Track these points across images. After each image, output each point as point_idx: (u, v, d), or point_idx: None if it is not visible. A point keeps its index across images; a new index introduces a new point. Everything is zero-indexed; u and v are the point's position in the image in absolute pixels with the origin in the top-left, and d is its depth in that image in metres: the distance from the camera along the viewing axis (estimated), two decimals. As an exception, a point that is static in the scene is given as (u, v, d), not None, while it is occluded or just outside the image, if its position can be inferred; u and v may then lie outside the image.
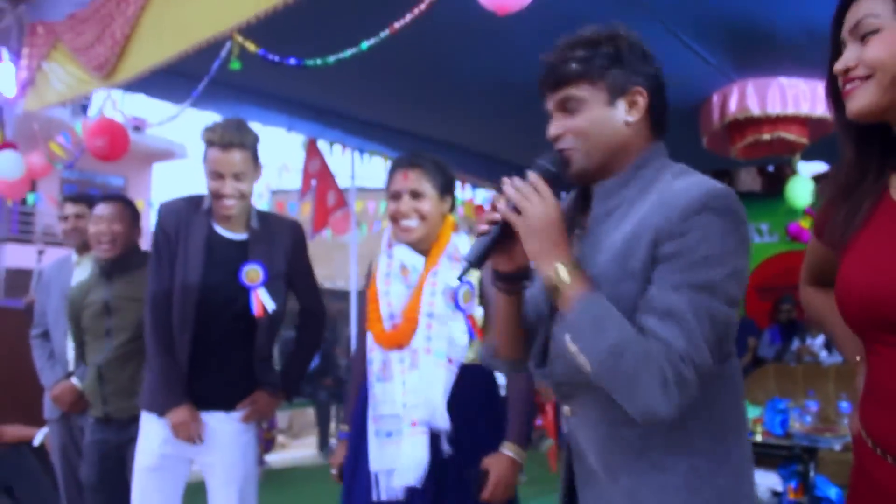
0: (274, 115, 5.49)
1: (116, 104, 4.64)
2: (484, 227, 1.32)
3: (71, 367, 3.37)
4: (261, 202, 7.58)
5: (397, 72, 4.51)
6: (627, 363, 1.19)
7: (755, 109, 4.63)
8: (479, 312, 2.24)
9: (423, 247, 2.27)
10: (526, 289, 1.46)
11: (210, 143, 2.48)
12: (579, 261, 1.32)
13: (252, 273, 2.52)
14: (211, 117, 4.53)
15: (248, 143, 2.49)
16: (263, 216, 2.69)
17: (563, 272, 1.25)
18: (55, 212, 13.26)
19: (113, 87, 4.35)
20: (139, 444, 2.60)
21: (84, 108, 5.54)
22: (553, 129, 1.40)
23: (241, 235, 2.61)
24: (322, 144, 6.53)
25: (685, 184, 1.30)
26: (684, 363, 1.19)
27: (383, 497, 2.15)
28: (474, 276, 2.21)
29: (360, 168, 6.81)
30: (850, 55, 1.22)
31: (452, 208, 2.34)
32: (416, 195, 2.21)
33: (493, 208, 1.32)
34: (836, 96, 1.30)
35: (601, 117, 1.37)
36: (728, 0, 3.69)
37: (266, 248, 2.60)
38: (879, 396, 1.25)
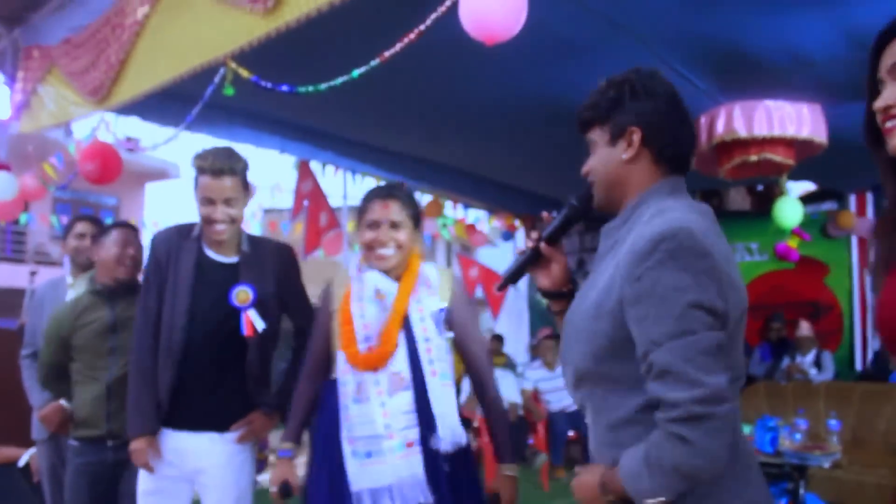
0: (266, 138, 5.53)
1: (109, 126, 4.68)
2: (521, 248, 1.54)
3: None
4: (253, 222, 7.60)
5: (389, 95, 4.56)
6: (660, 460, 1.27)
7: (742, 131, 4.69)
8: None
9: (395, 274, 2.37)
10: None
11: (201, 171, 2.53)
12: (576, 302, 1.49)
13: (242, 294, 2.56)
14: (204, 139, 4.54)
15: (238, 170, 2.55)
16: (254, 240, 2.74)
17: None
18: (47, 231, 13.27)
19: (107, 111, 4.39)
20: (141, 469, 2.61)
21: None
22: (584, 167, 1.56)
23: (231, 259, 2.65)
24: (314, 165, 6.57)
25: (650, 226, 1.36)
26: (691, 404, 1.24)
27: None
28: (444, 303, 2.38)
29: (353, 189, 6.84)
30: (891, 94, 1.24)
31: (420, 238, 2.48)
32: (394, 225, 2.32)
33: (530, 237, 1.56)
34: (874, 132, 1.31)
35: (604, 156, 1.49)
36: (714, 26, 3.75)
37: (256, 270, 2.64)
38: None
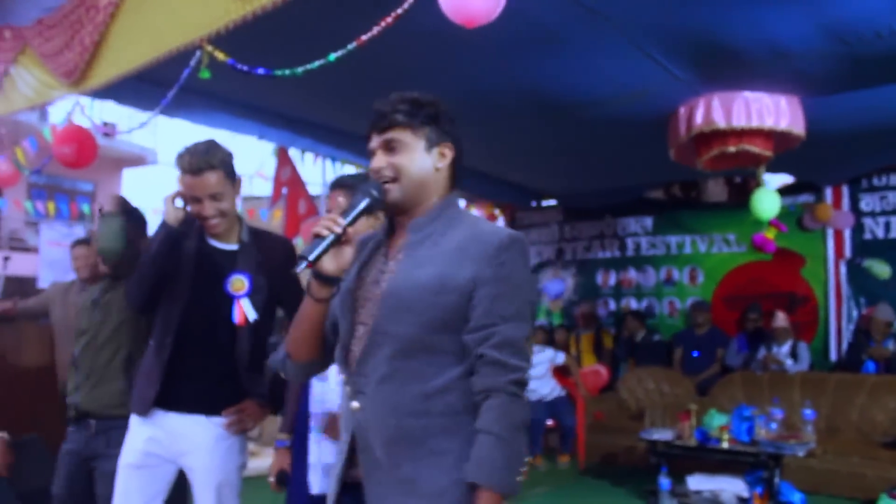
0: (245, 124, 5.48)
1: (85, 110, 4.61)
2: (321, 230, 1.61)
3: None
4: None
5: (369, 83, 4.50)
6: (514, 425, 1.57)
7: (721, 122, 4.72)
8: None
9: None
10: (335, 296, 1.72)
11: (182, 170, 2.53)
12: (398, 278, 1.65)
13: (237, 283, 2.57)
14: (182, 124, 4.50)
15: (218, 163, 2.53)
16: (255, 231, 2.75)
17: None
18: (22, 217, 13.09)
19: (82, 94, 4.32)
20: (126, 443, 2.62)
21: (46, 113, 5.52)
22: (376, 162, 1.72)
23: (231, 246, 2.67)
24: (293, 152, 6.53)
25: (491, 228, 1.69)
26: (523, 372, 1.59)
27: (319, 490, 2.32)
28: None
29: (332, 176, 6.81)
30: None
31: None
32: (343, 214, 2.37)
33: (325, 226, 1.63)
34: None
35: (418, 159, 1.70)
36: (694, 17, 3.75)
37: (254, 260, 2.65)
38: None
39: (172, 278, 2.59)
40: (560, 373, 6.97)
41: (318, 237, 1.61)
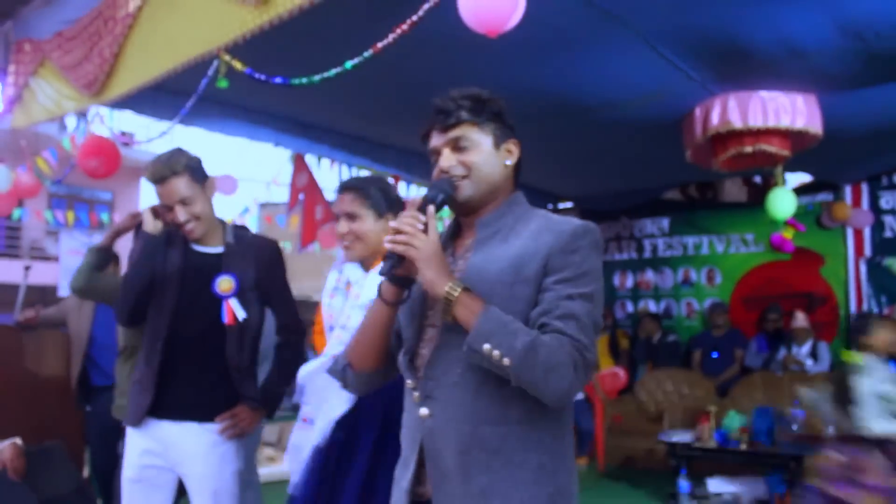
0: (261, 131, 5.51)
1: (104, 121, 4.67)
2: (391, 246, 1.54)
3: None
4: (249, 216, 7.58)
5: (384, 88, 4.55)
6: (543, 354, 1.43)
7: (737, 122, 4.69)
8: None
9: (370, 263, 2.43)
10: (406, 300, 1.66)
11: (150, 182, 2.60)
12: (472, 271, 1.58)
13: (225, 283, 2.59)
14: (198, 133, 4.57)
15: (181, 168, 2.57)
16: (239, 232, 2.77)
17: (457, 290, 1.49)
18: (42, 227, 13.23)
19: (102, 105, 4.37)
20: (125, 456, 2.64)
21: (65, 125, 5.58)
22: (445, 161, 1.65)
23: (216, 249, 2.70)
24: (310, 159, 6.55)
25: (563, 218, 1.63)
26: (586, 350, 1.47)
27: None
28: None
29: (348, 182, 6.80)
30: None
31: None
32: (351, 217, 2.38)
33: (393, 242, 1.54)
34: None
35: (488, 157, 1.65)
36: (709, 17, 3.74)
37: (240, 261, 2.67)
38: None
39: (160, 287, 2.61)
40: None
41: (387, 257, 1.55)
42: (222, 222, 2.75)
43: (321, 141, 5.89)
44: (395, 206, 2.46)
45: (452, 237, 1.74)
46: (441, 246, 1.56)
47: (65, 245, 7.32)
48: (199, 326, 2.60)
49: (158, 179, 2.57)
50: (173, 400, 2.57)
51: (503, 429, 1.51)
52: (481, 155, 1.64)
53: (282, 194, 7.61)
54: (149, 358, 2.59)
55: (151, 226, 2.64)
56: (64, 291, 6.32)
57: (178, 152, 2.62)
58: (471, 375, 1.53)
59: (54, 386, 4.56)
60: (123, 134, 5.05)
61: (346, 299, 2.40)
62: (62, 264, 7.05)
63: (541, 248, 1.55)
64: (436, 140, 1.68)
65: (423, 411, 1.58)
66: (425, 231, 1.55)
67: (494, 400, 1.52)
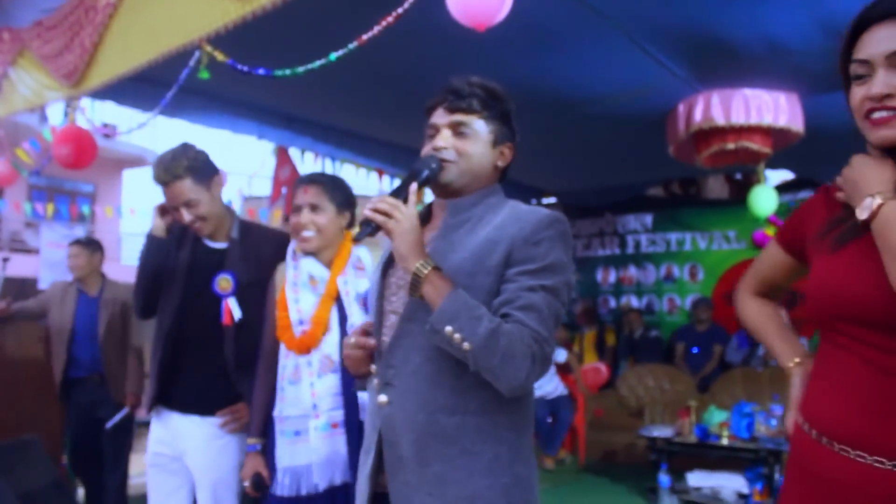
0: (244, 123, 5.48)
1: (86, 112, 4.61)
2: (370, 214, 1.52)
3: None
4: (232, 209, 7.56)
5: (369, 82, 4.53)
6: (504, 343, 1.43)
7: (720, 119, 4.72)
8: None
9: (326, 258, 2.43)
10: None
11: (155, 182, 2.63)
12: (433, 256, 1.55)
13: (223, 282, 2.60)
14: (181, 125, 4.54)
15: (183, 171, 2.57)
16: (246, 227, 2.77)
17: (427, 268, 1.48)
18: (21, 218, 13.09)
19: (82, 95, 4.32)
20: (149, 441, 2.75)
21: (46, 115, 5.52)
22: (442, 140, 1.63)
23: (222, 244, 2.72)
24: (293, 152, 6.52)
25: (531, 208, 1.62)
26: (546, 344, 1.47)
27: (290, 493, 2.28)
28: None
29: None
30: (887, 81, 1.23)
31: (351, 224, 2.50)
32: (314, 208, 2.38)
33: (374, 211, 1.52)
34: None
35: (483, 151, 1.66)
36: (693, 14, 3.76)
37: (242, 258, 2.66)
38: (831, 387, 1.31)
39: (168, 282, 2.67)
40: (561, 370, 6.98)
41: (364, 223, 1.53)
42: (233, 215, 2.76)
43: (305, 134, 5.86)
44: (350, 203, 2.48)
45: (423, 219, 1.72)
46: (419, 224, 1.55)
47: (45, 237, 7.27)
48: (201, 323, 2.63)
49: (162, 182, 2.58)
50: (179, 393, 2.64)
51: (459, 418, 1.52)
52: (477, 147, 1.64)
53: (265, 187, 7.59)
54: (154, 351, 2.67)
55: (157, 225, 2.67)
56: (44, 283, 6.27)
57: (182, 152, 2.61)
58: (429, 364, 1.54)
59: (32, 379, 4.53)
60: (106, 125, 4.99)
61: (314, 294, 2.38)
62: (42, 256, 7.00)
63: (504, 238, 1.54)
64: (439, 117, 1.66)
65: (382, 398, 1.59)
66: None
67: (452, 390, 1.52)
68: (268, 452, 2.41)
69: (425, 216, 1.73)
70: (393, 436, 1.57)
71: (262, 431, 2.47)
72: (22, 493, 3.71)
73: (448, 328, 1.43)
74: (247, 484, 2.43)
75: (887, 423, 1.21)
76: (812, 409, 1.35)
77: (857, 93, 1.28)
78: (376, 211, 1.51)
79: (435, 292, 1.46)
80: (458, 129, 1.64)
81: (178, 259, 2.67)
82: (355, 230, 1.54)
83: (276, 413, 2.35)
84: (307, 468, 2.28)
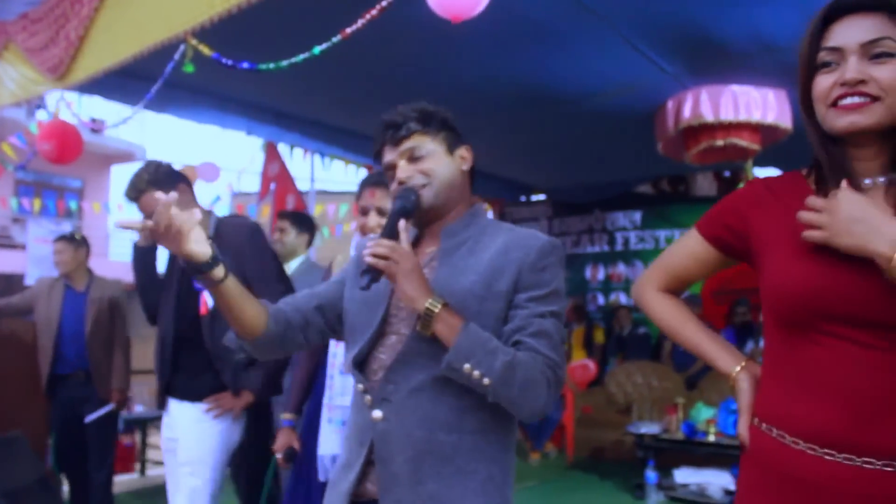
0: (233, 119, 5.46)
1: (72, 106, 4.58)
2: (371, 261, 1.52)
3: None
4: (221, 205, 7.52)
5: (357, 77, 4.52)
6: (521, 374, 1.46)
7: (708, 116, 4.73)
8: None
9: None
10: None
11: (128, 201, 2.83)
12: (439, 283, 1.56)
13: None
14: (170, 120, 4.58)
15: (146, 186, 2.75)
16: (220, 222, 2.88)
17: (437, 306, 1.48)
18: (8, 214, 13.01)
19: (68, 89, 4.29)
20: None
21: (38, 108, 5.50)
22: (403, 172, 1.64)
23: None
24: (282, 147, 6.50)
25: (529, 232, 1.64)
26: (558, 368, 1.51)
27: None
28: None
29: (321, 171, 6.82)
30: (860, 69, 1.22)
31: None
32: (381, 212, 2.41)
33: (373, 256, 1.52)
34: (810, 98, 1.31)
35: (444, 164, 1.66)
36: (682, 11, 3.76)
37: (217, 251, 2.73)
38: (809, 390, 1.27)
39: (167, 288, 2.88)
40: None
41: (366, 272, 1.52)
42: (209, 215, 2.87)
43: (293, 129, 5.85)
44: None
45: (412, 247, 1.72)
46: (418, 260, 1.54)
47: (32, 233, 7.21)
48: (192, 320, 2.79)
49: (132, 200, 2.77)
50: (178, 384, 2.85)
51: (457, 437, 1.53)
52: (437, 162, 1.65)
53: (253, 183, 7.57)
54: (157, 351, 2.91)
55: (140, 237, 2.92)
56: (31, 279, 6.22)
57: (144, 168, 2.79)
58: (433, 384, 1.53)
59: (18, 375, 4.49)
60: (94, 121, 4.97)
61: None
62: (29, 252, 6.95)
63: (511, 263, 1.56)
64: (389, 155, 1.67)
65: (377, 414, 1.57)
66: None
67: (452, 408, 1.53)
68: (306, 437, 2.53)
69: (413, 243, 1.72)
70: (387, 452, 1.55)
71: (297, 409, 2.63)
72: (7, 491, 3.69)
73: (466, 366, 1.45)
74: (279, 455, 2.58)
75: (876, 423, 1.19)
76: (782, 413, 1.31)
77: (825, 80, 1.27)
78: (375, 256, 1.51)
79: (447, 330, 1.47)
80: (411, 156, 1.65)
81: (177, 264, 2.83)
82: (361, 280, 1.53)
83: (325, 401, 2.42)
84: None
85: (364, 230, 2.43)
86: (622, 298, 8.56)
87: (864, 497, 1.20)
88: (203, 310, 2.74)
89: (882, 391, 1.20)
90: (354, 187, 2.66)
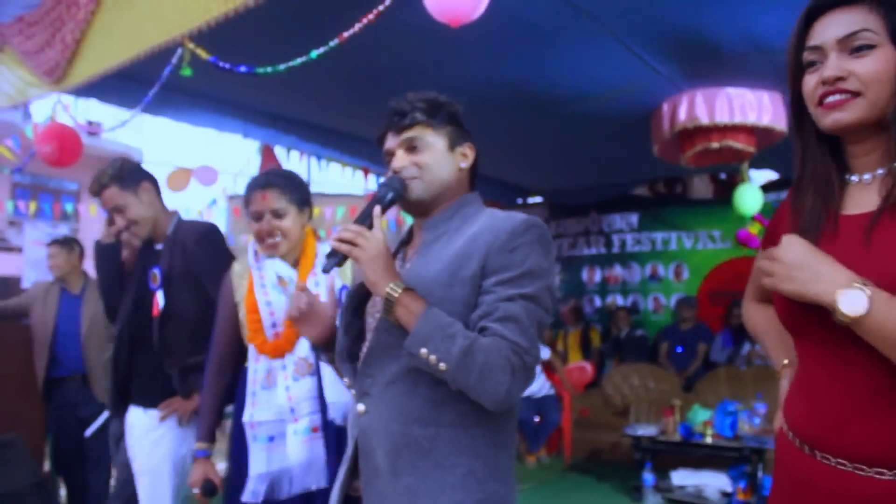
0: (229, 122, 5.46)
1: (69, 109, 4.58)
2: (335, 244, 1.52)
3: None
4: (217, 208, 7.51)
5: (354, 80, 4.52)
6: (479, 359, 1.41)
7: (704, 118, 4.74)
8: None
9: (291, 258, 2.40)
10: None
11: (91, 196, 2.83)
12: (410, 273, 1.56)
13: (153, 277, 2.76)
14: (167, 123, 4.61)
15: (108, 181, 2.76)
16: (180, 224, 2.87)
17: (398, 291, 1.46)
18: (5, 217, 12.97)
19: (64, 92, 4.29)
20: None
21: (26, 114, 5.49)
22: (398, 161, 1.63)
23: (161, 245, 2.87)
24: (278, 150, 6.50)
25: (507, 214, 1.58)
26: (525, 354, 1.44)
27: (262, 499, 2.22)
28: (346, 282, 2.35)
29: (317, 174, 6.82)
30: (840, 65, 1.23)
31: (310, 217, 2.46)
32: (276, 214, 2.33)
33: (339, 241, 1.52)
34: (802, 110, 1.32)
35: (441, 159, 1.64)
36: (677, 13, 3.77)
37: (169, 253, 2.79)
38: (801, 390, 1.32)
39: (127, 288, 2.88)
40: (547, 368, 6.99)
41: (331, 255, 1.53)
42: (173, 215, 2.87)
43: (290, 132, 5.85)
44: (308, 199, 2.44)
45: (405, 243, 1.74)
46: (387, 246, 1.53)
47: (29, 235, 7.21)
48: (146, 322, 2.76)
49: (94, 194, 2.78)
50: (132, 387, 2.83)
51: (433, 430, 1.50)
52: (434, 156, 1.63)
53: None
54: (112, 351, 2.88)
55: (104, 234, 2.91)
56: (28, 282, 6.22)
57: (110, 164, 2.80)
58: (406, 375, 1.52)
59: (15, 378, 4.49)
60: (91, 123, 4.97)
61: (284, 296, 2.33)
62: (26, 255, 6.94)
63: (479, 247, 1.52)
64: (390, 142, 1.67)
65: (360, 408, 1.58)
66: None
67: (427, 401, 1.50)
68: (235, 459, 2.35)
69: (407, 239, 1.74)
70: (368, 446, 1.56)
71: (210, 437, 2.43)
72: (4, 494, 3.68)
73: (423, 350, 1.42)
74: (196, 491, 2.38)
75: (844, 426, 1.21)
76: (791, 414, 1.35)
77: (810, 80, 1.28)
78: (341, 240, 1.51)
79: (408, 314, 1.45)
80: (410, 146, 1.63)
81: (136, 267, 2.86)
82: (322, 262, 1.54)
83: (245, 419, 2.27)
84: (284, 473, 2.23)
85: (261, 234, 2.33)
86: (619, 300, 8.57)
87: (844, 497, 1.21)
88: (155, 311, 2.70)
89: (849, 396, 1.21)
90: (351, 190, 2.64)
